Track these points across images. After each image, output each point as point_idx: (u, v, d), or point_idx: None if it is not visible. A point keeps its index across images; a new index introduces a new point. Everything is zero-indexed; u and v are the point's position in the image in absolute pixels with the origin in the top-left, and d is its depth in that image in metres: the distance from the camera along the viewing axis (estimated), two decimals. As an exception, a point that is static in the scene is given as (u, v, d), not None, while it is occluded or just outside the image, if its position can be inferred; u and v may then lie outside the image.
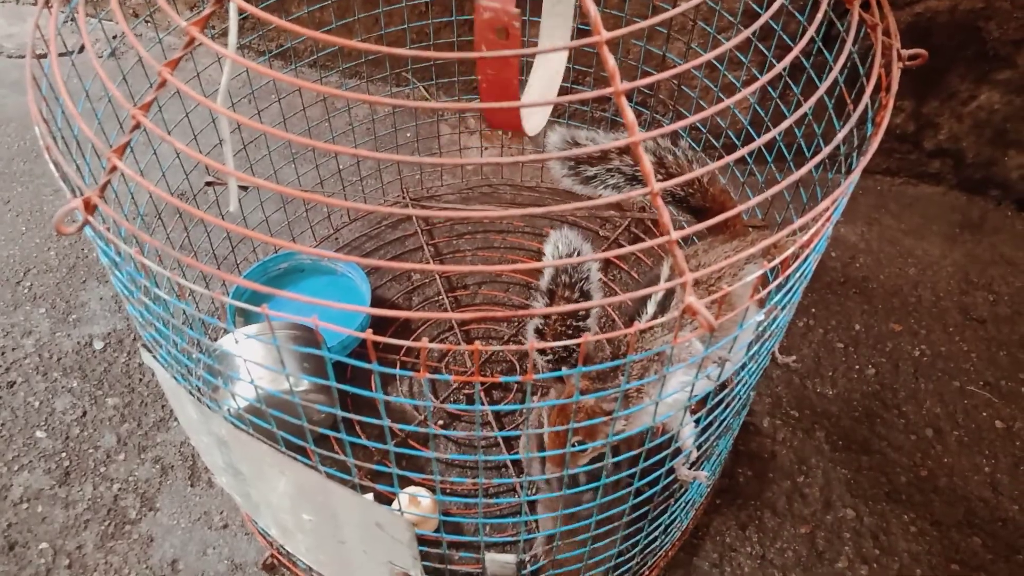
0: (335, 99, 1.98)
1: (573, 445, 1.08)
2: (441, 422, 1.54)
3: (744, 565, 1.37)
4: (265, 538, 1.36)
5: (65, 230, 0.64)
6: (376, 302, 1.70)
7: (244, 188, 1.75)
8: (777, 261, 0.65)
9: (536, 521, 1.25)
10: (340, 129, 1.91)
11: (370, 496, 0.93)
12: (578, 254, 1.33)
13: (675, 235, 0.59)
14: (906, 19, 1.73)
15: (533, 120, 1.10)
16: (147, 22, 2.08)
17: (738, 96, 0.71)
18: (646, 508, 1.00)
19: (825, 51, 1.14)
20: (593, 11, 0.60)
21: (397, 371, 0.73)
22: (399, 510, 1.06)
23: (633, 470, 0.91)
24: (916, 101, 1.87)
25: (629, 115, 0.60)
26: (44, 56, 0.85)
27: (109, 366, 1.61)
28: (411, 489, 1.36)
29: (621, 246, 1.83)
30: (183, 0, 2.20)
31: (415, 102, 0.61)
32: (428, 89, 2.11)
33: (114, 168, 0.67)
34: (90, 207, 0.67)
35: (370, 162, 1.91)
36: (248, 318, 1.57)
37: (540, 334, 1.29)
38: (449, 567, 1.09)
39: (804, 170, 0.69)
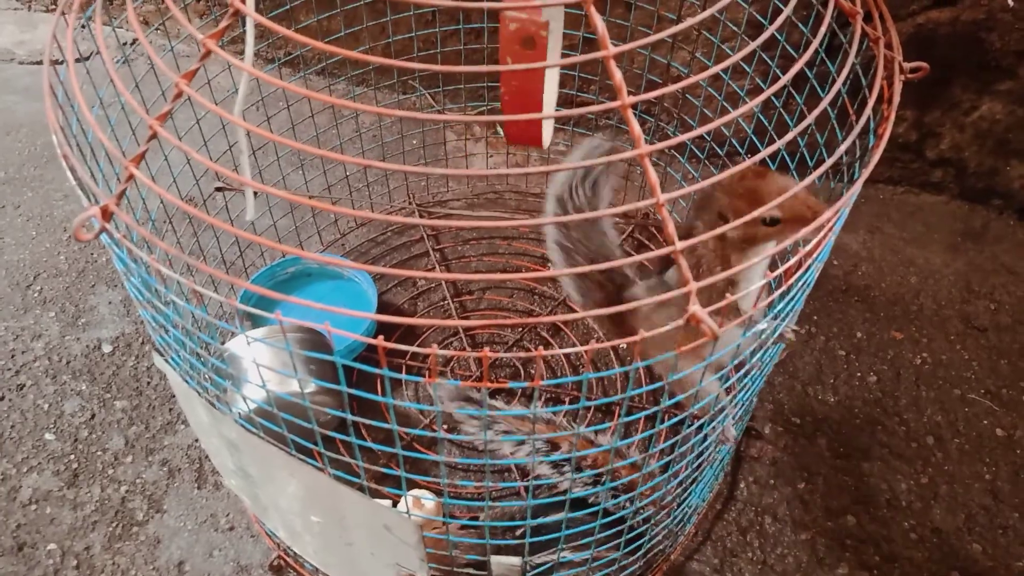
0: (342, 106, 2.00)
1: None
2: (446, 426, 1.55)
3: (745, 571, 1.38)
4: (272, 539, 1.37)
5: (83, 237, 0.66)
6: (382, 307, 1.71)
7: (254, 194, 1.77)
8: (780, 271, 0.66)
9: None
10: (347, 136, 1.93)
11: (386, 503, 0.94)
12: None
13: (680, 245, 0.61)
14: (908, 30, 1.74)
15: (547, 133, 1.12)
16: (159, 30, 2.10)
17: (742, 110, 0.72)
18: (650, 511, 1.02)
19: (828, 62, 1.16)
20: (600, 26, 0.61)
21: (404, 376, 0.74)
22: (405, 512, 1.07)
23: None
24: (918, 111, 1.88)
25: (635, 128, 0.62)
26: (60, 63, 0.87)
27: (117, 369, 1.63)
28: (415, 492, 1.37)
29: (626, 253, 1.85)
30: (193, 8, 2.22)
31: (424, 114, 0.63)
32: (434, 97, 2.12)
33: (131, 177, 0.68)
34: (107, 215, 0.69)
35: (377, 168, 1.93)
36: (256, 322, 1.58)
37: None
38: (455, 570, 1.10)
39: (807, 181, 0.71)
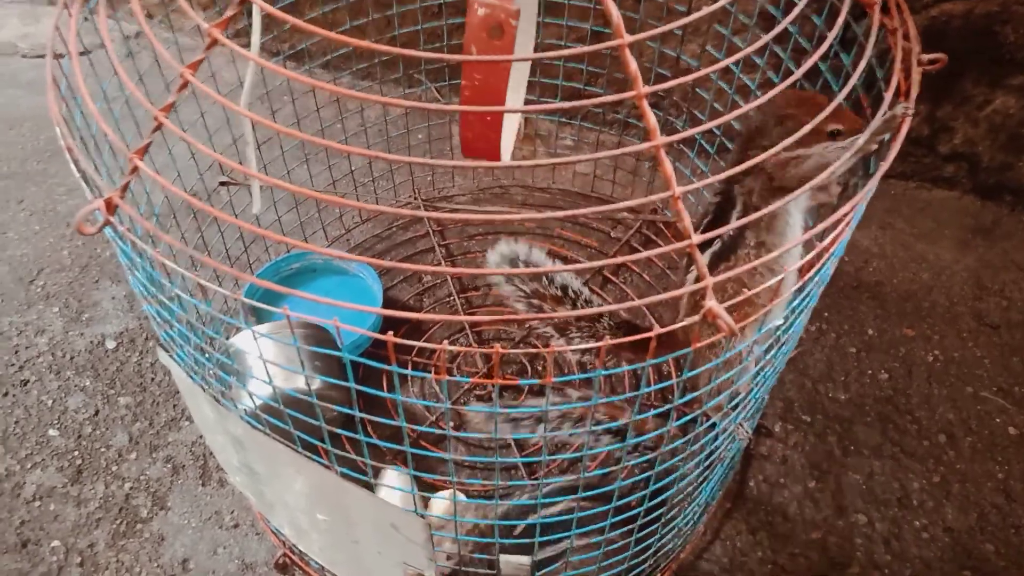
0: (348, 100, 1.99)
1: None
2: (453, 423, 1.54)
3: (755, 570, 1.37)
4: (278, 537, 1.36)
5: (86, 230, 0.65)
6: (388, 303, 1.70)
7: (260, 186, 1.76)
8: (801, 263, 0.65)
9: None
10: (353, 130, 1.91)
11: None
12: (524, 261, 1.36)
13: (696, 239, 0.59)
14: (921, 23, 1.72)
15: (507, 143, 1.06)
16: (162, 23, 2.08)
17: (754, 103, 0.71)
18: (660, 511, 1.00)
19: (842, 54, 1.14)
20: (616, 15, 0.59)
21: (411, 372, 0.73)
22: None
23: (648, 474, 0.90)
24: (931, 105, 1.86)
25: (651, 119, 0.60)
26: (62, 56, 0.85)
27: (121, 365, 1.61)
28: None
29: (633, 248, 1.83)
30: (197, 1, 2.21)
31: (430, 104, 0.61)
32: (440, 90, 2.11)
33: (135, 169, 0.67)
34: (111, 207, 0.68)
35: (382, 163, 1.92)
36: (260, 317, 1.57)
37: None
38: (463, 568, 1.09)
39: (823, 177, 0.69)
